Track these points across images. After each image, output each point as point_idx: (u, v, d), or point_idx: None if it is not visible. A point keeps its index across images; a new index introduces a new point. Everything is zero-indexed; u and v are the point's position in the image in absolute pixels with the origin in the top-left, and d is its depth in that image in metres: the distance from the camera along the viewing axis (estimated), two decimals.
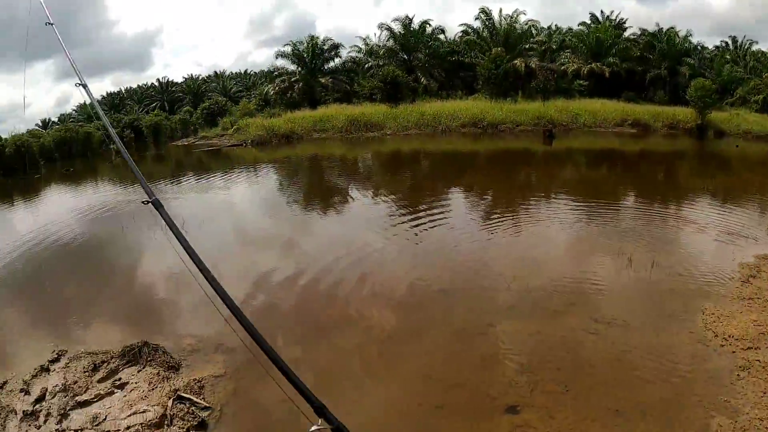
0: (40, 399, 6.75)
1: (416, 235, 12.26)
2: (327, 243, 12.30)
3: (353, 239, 12.23)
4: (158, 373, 7.04)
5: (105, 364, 7.34)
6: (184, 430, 6.01)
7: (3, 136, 49.71)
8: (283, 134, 33.01)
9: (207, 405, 6.39)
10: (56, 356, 7.73)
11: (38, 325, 9.46)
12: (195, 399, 6.46)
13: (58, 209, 22.56)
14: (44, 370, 7.43)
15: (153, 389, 6.75)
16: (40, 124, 71.71)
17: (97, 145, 53.56)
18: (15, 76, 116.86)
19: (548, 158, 23.15)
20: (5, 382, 7.24)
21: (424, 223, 13.07)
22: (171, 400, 6.42)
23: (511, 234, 12.13)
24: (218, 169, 27.28)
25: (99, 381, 7.01)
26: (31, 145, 50.37)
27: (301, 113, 36.17)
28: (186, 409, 6.27)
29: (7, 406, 6.61)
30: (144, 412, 6.32)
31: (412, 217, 13.82)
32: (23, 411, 6.42)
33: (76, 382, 6.90)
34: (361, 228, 13.34)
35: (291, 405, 6.59)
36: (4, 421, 6.42)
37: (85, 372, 7.17)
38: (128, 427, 6.06)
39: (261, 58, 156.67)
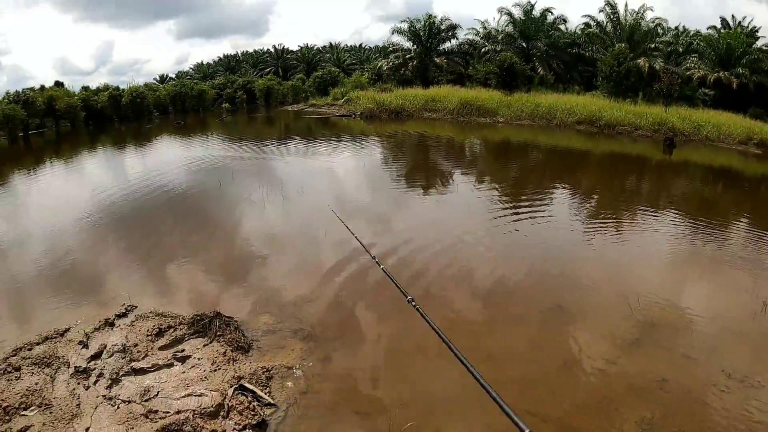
0: (96, 356, 6.02)
1: (517, 230, 10.82)
2: (423, 224, 11.42)
3: (450, 223, 11.28)
4: (225, 352, 6.00)
5: (171, 330, 6.56)
6: (241, 427, 4.89)
7: (122, 87, 53.96)
8: (393, 110, 32.21)
9: (271, 401, 5.26)
10: (124, 311, 7.16)
11: (118, 271, 9.02)
12: (259, 392, 5.32)
13: (164, 158, 23.24)
14: (108, 324, 6.79)
15: (215, 370, 5.67)
16: (158, 79, 75.98)
17: (209, 102, 55.66)
18: (138, 32, 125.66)
19: (666, 168, 20.21)
20: (68, 329, 6.68)
21: (526, 218, 11.60)
22: (232, 388, 5.31)
23: (632, 247, 10.12)
24: (325, 137, 26.78)
25: (160, 348, 6.18)
26: (146, 96, 53.22)
27: (413, 91, 35.07)
28: (247, 403, 5.14)
29: (63, 356, 6.09)
30: (200, 395, 5.24)
31: (515, 210, 12.48)
32: (75, 366, 5.86)
33: (136, 345, 6.24)
34: (459, 213, 12.23)
35: (369, 421, 5.81)
36: (55, 373, 5.78)
37: (148, 336, 6.42)
38: (179, 411, 5.02)
39: (376, 34, 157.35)
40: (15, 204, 16.36)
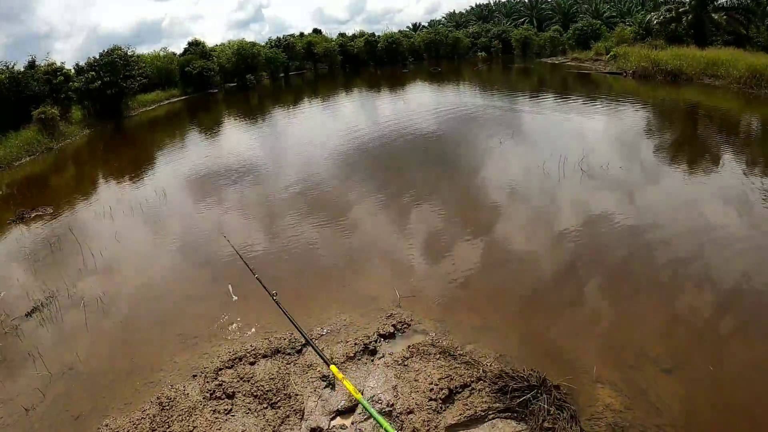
0: (345, 412, 4.44)
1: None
2: (675, 206, 9.28)
3: (707, 215, 8.89)
4: None
5: (466, 392, 4.50)
6: None
7: (377, 34, 58.30)
8: (669, 71, 28.95)
9: None
10: (392, 329, 5.59)
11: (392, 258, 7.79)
12: None
13: (423, 104, 24.57)
14: (368, 351, 5.26)
15: None
16: (411, 27, 79.54)
17: (463, 51, 57.26)
18: None
19: None
20: (305, 346, 5.41)
21: None
22: None
23: None
24: (581, 95, 25.18)
25: (448, 429, 4.16)
26: (401, 42, 56.89)
27: (689, 50, 31.40)
28: None
29: (295, 395, 4.68)
30: None
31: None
32: (311, 428, 4.30)
33: (410, 411, 4.32)
34: (721, 203, 9.51)
35: None
36: (279, 426, 4.37)
37: (431, 393, 4.48)
38: None
39: None
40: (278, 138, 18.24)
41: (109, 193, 13.38)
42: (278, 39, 53.09)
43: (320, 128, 20.26)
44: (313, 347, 1.66)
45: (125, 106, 28.86)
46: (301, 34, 57.94)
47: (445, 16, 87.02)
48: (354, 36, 57.53)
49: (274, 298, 4.19)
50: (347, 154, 14.81)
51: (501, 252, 7.73)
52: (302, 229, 9.09)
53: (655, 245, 7.51)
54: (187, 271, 8.01)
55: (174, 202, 11.72)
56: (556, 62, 43.97)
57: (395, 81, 38.30)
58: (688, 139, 15.79)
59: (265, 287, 4.55)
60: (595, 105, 21.68)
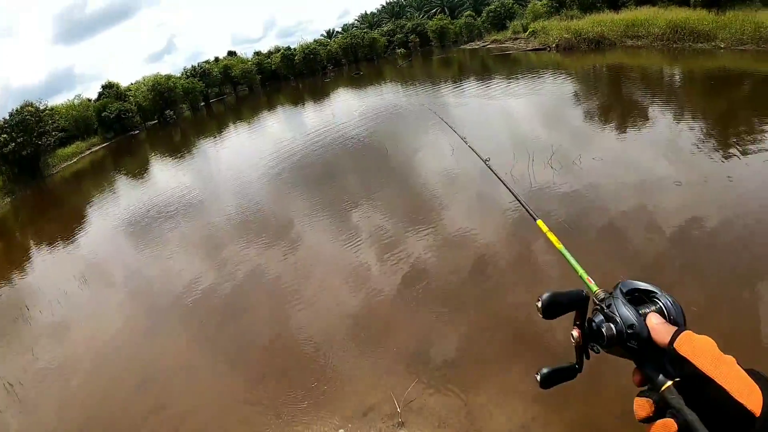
0: None
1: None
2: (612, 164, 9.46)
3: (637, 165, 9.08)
4: None
5: None
6: None
7: (292, 47, 57.44)
8: (592, 39, 29.12)
9: None
10: None
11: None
12: None
13: (350, 111, 23.27)
14: None
15: None
16: (325, 35, 78.85)
17: (381, 50, 56.82)
18: None
19: None
20: None
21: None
22: None
23: None
24: (507, 76, 24.69)
25: None
26: (318, 52, 55.51)
27: (608, 15, 32.22)
28: None
29: None
30: None
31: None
32: None
33: None
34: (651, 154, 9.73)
35: None
36: None
37: None
38: None
39: None
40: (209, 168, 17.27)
41: (28, 284, 11.06)
42: (193, 68, 51.13)
43: (250, 152, 19.25)
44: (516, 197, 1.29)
45: (45, 164, 26.54)
46: (217, 59, 56.14)
47: (357, 18, 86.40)
48: (270, 52, 56.32)
49: None
50: (281, 176, 13.89)
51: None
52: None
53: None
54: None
55: (98, 289, 9.32)
56: (476, 47, 43.82)
57: (318, 92, 37.16)
58: (617, 101, 15.97)
59: None
60: (524, 84, 21.38)
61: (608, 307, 0.91)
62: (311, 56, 52.83)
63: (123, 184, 19.67)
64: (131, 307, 8.05)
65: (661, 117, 12.48)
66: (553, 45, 30.90)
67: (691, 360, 0.73)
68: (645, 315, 0.86)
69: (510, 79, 23.90)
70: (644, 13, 30.85)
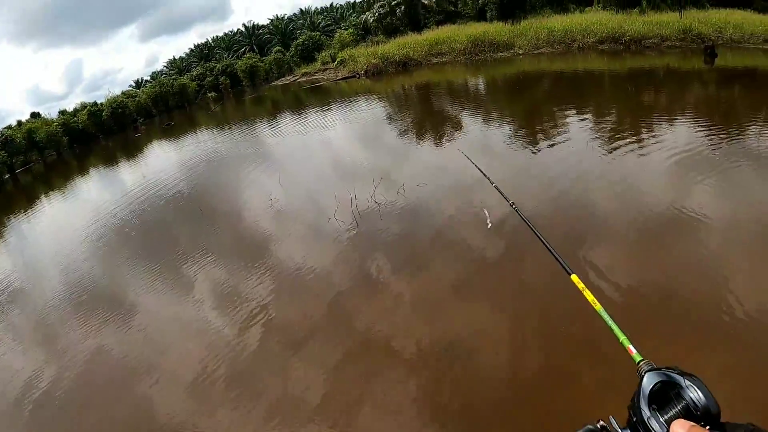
0: None
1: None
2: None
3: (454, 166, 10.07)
4: None
5: None
6: None
7: (99, 101, 51.22)
8: (399, 61, 29.63)
9: None
10: None
11: None
12: None
13: (166, 166, 21.13)
14: None
15: None
16: (134, 85, 72.50)
17: (192, 96, 52.84)
18: (102, 44, 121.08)
19: (719, 80, 17.22)
20: None
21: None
22: None
23: None
24: (319, 106, 24.39)
25: None
26: (127, 104, 50.34)
27: (411, 38, 32.52)
28: None
29: None
30: None
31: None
32: None
33: None
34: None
35: None
36: None
37: None
38: None
39: None
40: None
41: None
42: None
43: (68, 222, 16.88)
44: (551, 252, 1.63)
45: None
46: (19, 123, 48.10)
47: (165, 64, 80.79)
48: (76, 110, 49.79)
49: None
50: (105, 242, 12.56)
51: None
52: None
53: None
54: None
55: None
56: (287, 82, 43.40)
57: (128, 150, 33.46)
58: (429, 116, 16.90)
59: None
60: (338, 112, 20.56)
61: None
62: (119, 110, 47.37)
63: None
64: None
65: (472, 124, 13.74)
66: (362, 71, 30.51)
67: None
68: (670, 422, 0.84)
69: (324, 109, 23.85)
70: (445, 31, 31.91)
